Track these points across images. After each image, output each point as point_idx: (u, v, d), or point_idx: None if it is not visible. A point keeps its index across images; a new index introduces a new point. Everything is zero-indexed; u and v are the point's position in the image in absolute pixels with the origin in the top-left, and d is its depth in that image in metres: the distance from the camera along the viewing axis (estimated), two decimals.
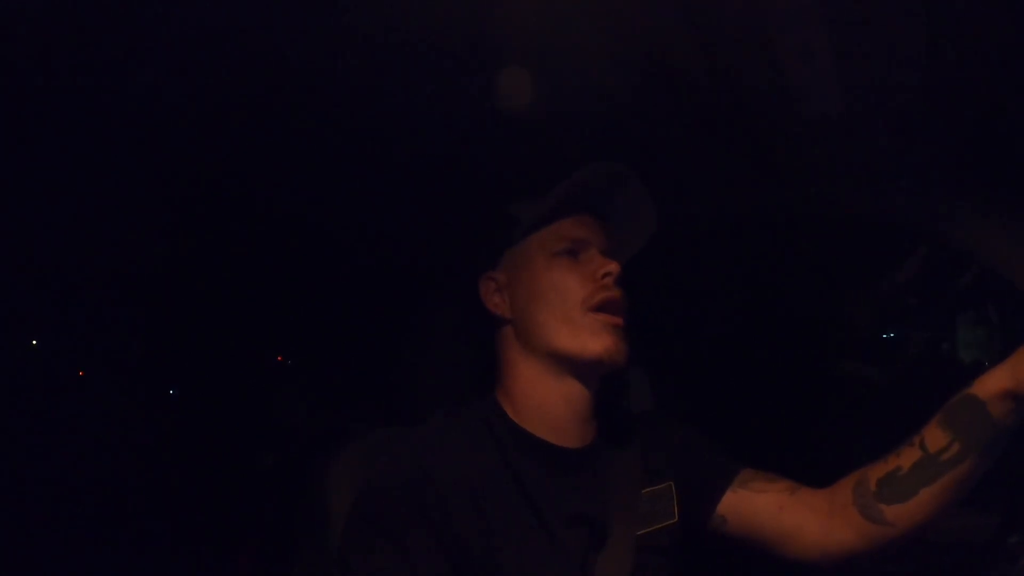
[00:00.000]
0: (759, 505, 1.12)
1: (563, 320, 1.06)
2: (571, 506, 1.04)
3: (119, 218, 1.64)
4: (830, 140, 1.25)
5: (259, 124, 1.21)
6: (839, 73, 1.00)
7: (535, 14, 0.92)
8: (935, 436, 0.98)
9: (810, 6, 0.86)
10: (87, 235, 1.73)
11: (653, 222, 1.18)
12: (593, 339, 1.05)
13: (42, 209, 1.57)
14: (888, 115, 1.17)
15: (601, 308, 1.07)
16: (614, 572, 1.02)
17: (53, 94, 1.13)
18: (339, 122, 1.20)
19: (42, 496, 2.80)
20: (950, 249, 1.45)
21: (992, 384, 0.95)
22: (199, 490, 2.93)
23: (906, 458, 1.01)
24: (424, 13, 0.93)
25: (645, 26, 0.94)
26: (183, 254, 1.83)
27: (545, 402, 1.09)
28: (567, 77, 1.08)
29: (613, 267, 1.09)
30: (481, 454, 1.04)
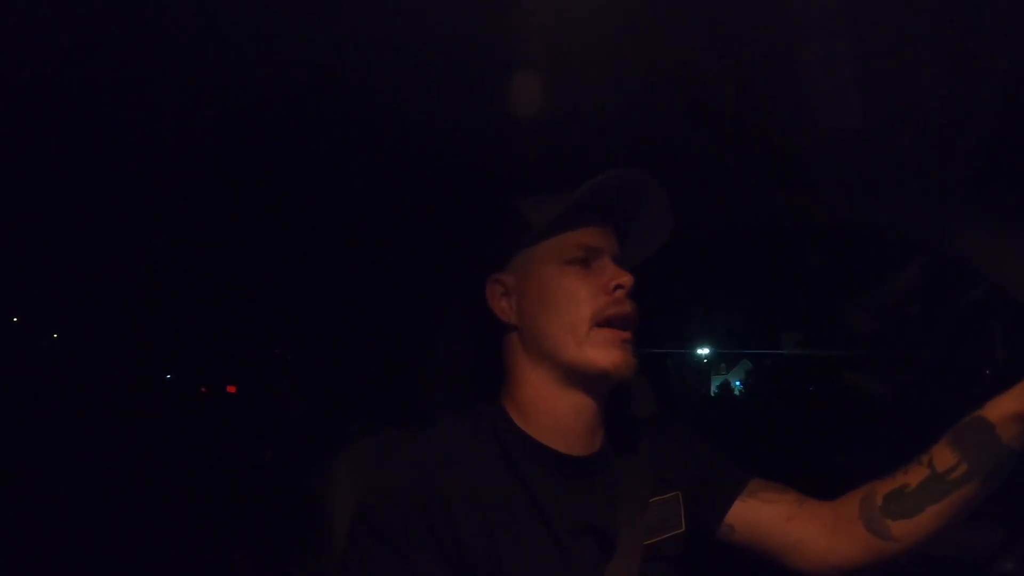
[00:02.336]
0: (767, 515, 1.12)
1: (570, 333, 1.03)
2: (579, 515, 1.02)
3: (124, 213, 1.63)
4: (847, 153, 1.24)
5: (265, 116, 1.20)
6: (860, 87, 0.99)
7: (557, 17, 0.90)
8: (943, 456, 0.99)
9: (833, 20, 0.86)
10: (92, 227, 1.72)
11: (669, 229, 1.15)
12: (601, 354, 1.02)
13: (48, 206, 1.57)
14: (905, 130, 1.16)
15: (610, 322, 1.04)
16: None
17: (56, 92, 1.13)
18: (349, 114, 1.18)
19: (38, 493, 2.80)
20: (958, 263, 1.45)
21: (1003, 407, 0.96)
22: (196, 485, 2.93)
23: (913, 476, 1.01)
24: (444, 10, 0.92)
25: (665, 34, 0.93)
26: (190, 248, 1.83)
27: (552, 410, 1.07)
28: (585, 82, 1.07)
29: (626, 279, 1.05)
30: (487, 461, 1.02)
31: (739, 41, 0.95)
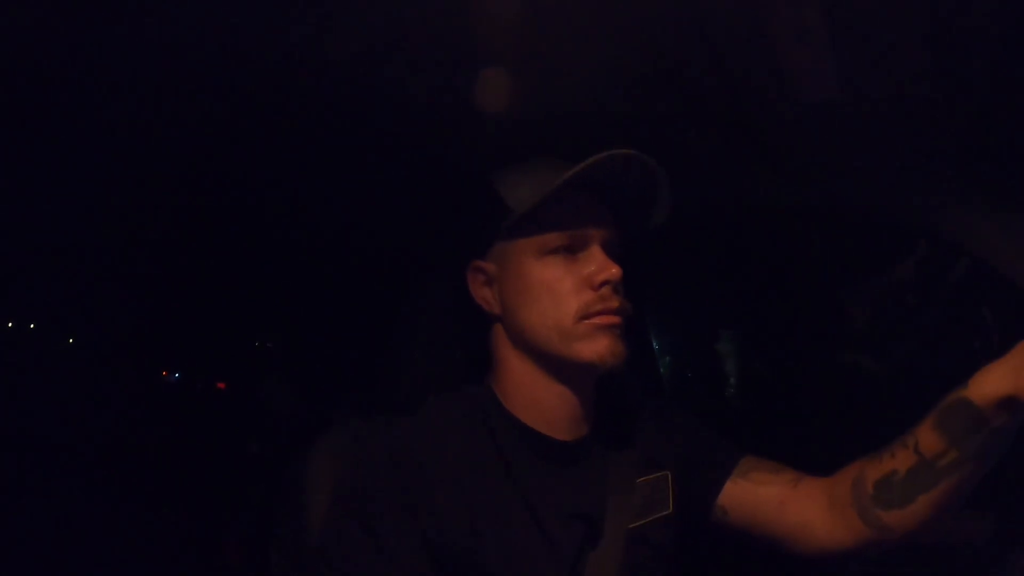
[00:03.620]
0: (761, 498, 1.09)
1: (554, 328, 0.99)
2: (564, 501, 1.01)
3: (115, 208, 1.63)
4: (826, 128, 1.22)
5: (248, 111, 1.20)
6: (835, 58, 0.97)
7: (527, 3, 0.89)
8: (930, 440, 0.93)
9: None
10: (85, 225, 1.73)
11: (667, 203, 1.06)
12: (586, 346, 0.99)
13: (45, 205, 1.58)
14: (886, 104, 1.14)
15: (598, 314, 1.00)
16: (605, 568, 1.00)
17: (55, 90, 1.12)
18: (328, 105, 1.17)
19: (38, 486, 2.82)
20: (945, 243, 1.43)
21: (990, 389, 0.87)
22: (184, 476, 2.94)
23: (901, 461, 0.96)
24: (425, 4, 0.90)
25: (637, 12, 0.91)
26: (180, 244, 1.83)
27: (539, 398, 1.05)
28: (559, 65, 1.04)
29: (613, 273, 0.99)
30: (472, 443, 1.01)
31: (717, 13, 0.92)
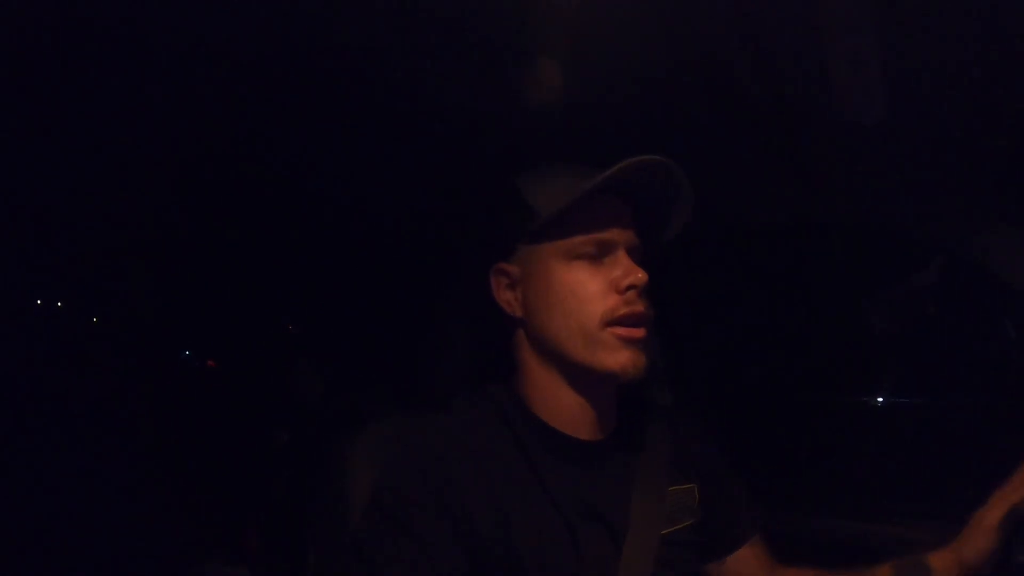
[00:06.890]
0: None
1: (578, 332, 0.99)
2: (587, 499, 1.02)
3: (143, 192, 1.65)
4: (865, 149, 1.23)
5: (281, 104, 1.21)
6: (885, 81, 0.98)
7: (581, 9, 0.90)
8: None
9: (861, 10, 0.85)
10: (112, 206, 1.75)
11: (689, 209, 1.05)
12: (610, 356, 0.98)
13: (71, 192, 1.59)
14: (926, 126, 1.15)
15: (622, 321, 0.99)
16: (636, 570, 1.01)
17: (76, 75, 1.14)
18: (358, 98, 1.18)
19: (52, 469, 2.84)
20: (971, 261, 1.43)
21: (945, 559, 1.02)
22: (211, 466, 2.95)
23: None
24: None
25: (690, 24, 0.92)
26: (206, 225, 1.84)
27: (560, 402, 1.05)
28: (604, 70, 1.06)
29: (639, 278, 0.98)
30: (499, 444, 1.02)
31: (761, 26, 0.93)
